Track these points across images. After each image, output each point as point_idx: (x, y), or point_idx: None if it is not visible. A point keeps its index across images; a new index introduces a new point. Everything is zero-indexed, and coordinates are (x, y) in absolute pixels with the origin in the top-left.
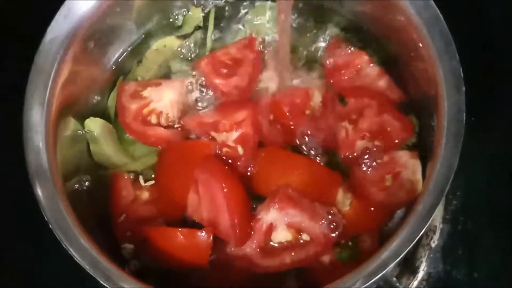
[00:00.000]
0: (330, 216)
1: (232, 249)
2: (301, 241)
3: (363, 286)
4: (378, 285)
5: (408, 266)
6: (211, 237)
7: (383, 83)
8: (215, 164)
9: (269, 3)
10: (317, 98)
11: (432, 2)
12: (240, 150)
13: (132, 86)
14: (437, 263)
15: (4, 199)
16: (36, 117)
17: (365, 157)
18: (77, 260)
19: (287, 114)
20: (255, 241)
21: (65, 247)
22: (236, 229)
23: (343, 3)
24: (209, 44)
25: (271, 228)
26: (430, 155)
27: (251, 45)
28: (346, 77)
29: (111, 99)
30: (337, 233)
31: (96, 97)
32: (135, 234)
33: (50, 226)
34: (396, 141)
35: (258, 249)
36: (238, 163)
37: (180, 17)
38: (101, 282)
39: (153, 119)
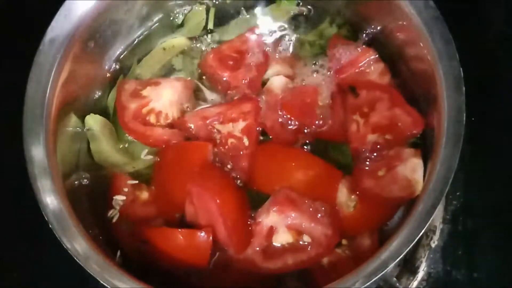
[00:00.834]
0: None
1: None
2: (302, 242)
3: (363, 286)
4: (378, 285)
5: (408, 266)
6: (211, 237)
7: (386, 80)
8: (208, 176)
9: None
10: (325, 96)
11: (432, 2)
12: (246, 141)
13: (132, 85)
14: (437, 263)
15: (4, 199)
16: (36, 117)
17: (375, 152)
18: (77, 260)
19: (299, 114)
20: (256, 244)
21: (65, 246)
22: (233, 239)
23: (343, 2)
24: (210, 41)
25: (271, 230)
26: (430, 155)
27: (254, 35)
28: (352, 73)
29: (111, 97)
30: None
31: (96, 94)
32: (135, 234)
33: (50, 226)
34: (407, 134)
35: (259, 252)
36: (242, 152)
37: (181, 16)
38: (101, 282)
39: (152, 119)
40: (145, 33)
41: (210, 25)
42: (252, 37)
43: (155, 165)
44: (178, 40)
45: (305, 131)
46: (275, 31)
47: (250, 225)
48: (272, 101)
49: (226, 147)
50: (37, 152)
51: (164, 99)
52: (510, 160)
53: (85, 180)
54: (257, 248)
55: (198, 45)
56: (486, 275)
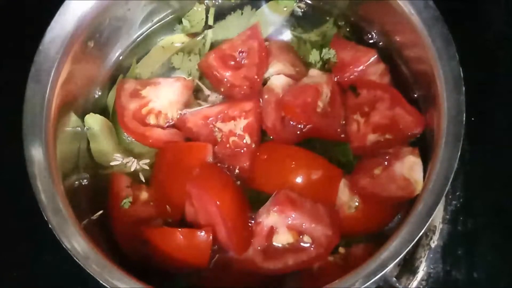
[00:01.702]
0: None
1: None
2: (303, 243)
3: (363, 286)
4: (378, 285)
5: (408, 266)
6: (211, 237)
7: (387, 79)
8: (208, 176)
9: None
10: (325, 95)
11: (432, 2)
12: (248, 139)
13: (132, 85)
14: (437, 263)
15: (4, 199)
16: (36, 117)
17: (375, 152)
18: (76, 260)
19: (300, 114)
20: (256, 244)
21: (64, 246)
22: (233, 240)
23: (344, 2)
24: (209, 39)
25: (272, 231)
26: (430, 155)
27: (254, 34)
28: (352, 73)
29: (110, 97)
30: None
31: (96, 94)
32: (135, 234)
33: (50, 226)
34: (408, 134)
35: (259, 252)
36: (243, 150)
37: (181, 16)
38: (101, 282)
39: (152, 119)
40: (145, 33)
41: (210, 23)
42: (252, 36)
43: (154, 165)
44: (177, 37)
45: (306, 130)
46: (275, 29)
47: (250, 225)
48: (273, 100)
49: (228, 145)
50: (37, 152)
51: (164, 99)
52: (510, 160)
53: (85, 180)
54: (258, 248)
55: (197, 38)
56: (486, 275)
